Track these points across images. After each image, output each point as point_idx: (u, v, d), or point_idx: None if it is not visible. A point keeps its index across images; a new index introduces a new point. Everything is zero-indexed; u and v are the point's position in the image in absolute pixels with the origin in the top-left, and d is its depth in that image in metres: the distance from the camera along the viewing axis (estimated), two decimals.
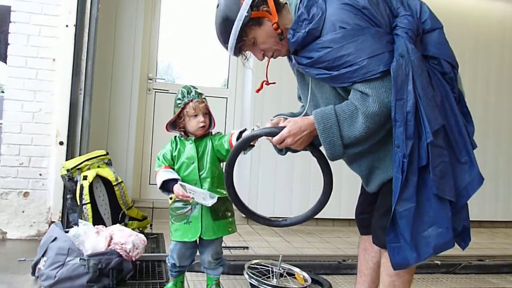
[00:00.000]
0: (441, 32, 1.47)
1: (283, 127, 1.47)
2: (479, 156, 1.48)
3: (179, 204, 2.03)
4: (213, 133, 2.11)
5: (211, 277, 2.14)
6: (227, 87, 4.63)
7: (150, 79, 4.42)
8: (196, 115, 2.01)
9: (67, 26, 3.24)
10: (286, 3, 1.51)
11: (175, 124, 2.08)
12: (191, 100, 2.01)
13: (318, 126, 1.40)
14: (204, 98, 2.07)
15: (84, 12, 3.31)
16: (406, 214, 1.35)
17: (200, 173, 2.01)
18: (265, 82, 1.64)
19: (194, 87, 2.07)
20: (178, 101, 2.04)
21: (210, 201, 1.91)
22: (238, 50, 1.54)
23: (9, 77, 3.23)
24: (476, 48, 4.61)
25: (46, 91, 3.24)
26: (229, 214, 2.11)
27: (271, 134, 1.50)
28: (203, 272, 2.22)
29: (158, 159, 2.09)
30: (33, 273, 2.26)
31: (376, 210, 1.56)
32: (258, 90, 1.66)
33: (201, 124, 2.01)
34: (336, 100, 1.47)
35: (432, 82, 1.38)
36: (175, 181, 1.97)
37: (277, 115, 1.67)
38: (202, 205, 1.98)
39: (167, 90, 4.47)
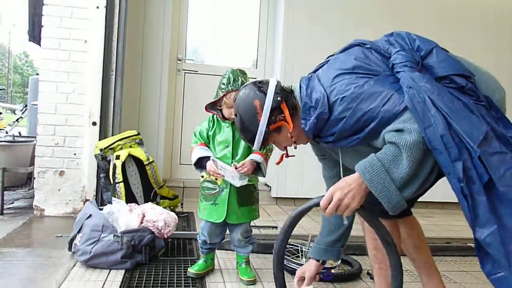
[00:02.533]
0: (438, 50, 1.44)
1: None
2: None
3: (209, 184, 2.06)
4: None
5: (241, 255, 2.16)
6: (256, 68, 4.60)
7: (180, 60, 4.44)
8: (231, 107, 1.98)
9: (97, 7, 3.27)
10: (296, 101, 1.55)
11: (214, 104, 2.07)
12: (234, 90, 1.97)
13: (364, 176, 1.32)
14: None
15: None
16: (491, 240, 1.22)
17: (233, 159, 2.02)
18: (285, 155, 1.66)
19: (242, 74, 2.03)
20: (222, 86, 2.00)
21: (239, 182, 1.94)
22: (263, 148, 1.62)
23: (43, 59, 3.31)
24: None
25: (79, 72, 3.30)
26: (253, 201, 2.11)
27: (317, 204, 1.40)
28: (233, 251, 2.24)
29: (195, 135, 2.11)
30: (69, 249, 2.35)
31: None
32: (278, 163, 1.67)
33: (232, 116, 2.01)
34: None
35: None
36: (209, 158, 1.99)
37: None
38: (229, 189, 2.00)
39: (196, 71, 4.48)
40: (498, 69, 4.41)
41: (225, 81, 2.00)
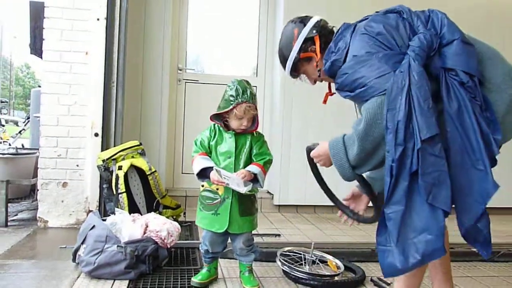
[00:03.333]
0: (458, 42, 1.50)
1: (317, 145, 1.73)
2: None
3: (210, 194, 2.06)
4: (255, 134, 2.12)
5: (243, 263, 2.16)
6: (257, 76, 4.62)
7: (180, 70, 4.47)
8: (241, 118, 2.00)
9: (98, 19, 3.31)
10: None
11: (219, 115, 2.06)
12: (244, 102, 1.97)
13: (330, 151, 1.59)
14: (256, 101, 2.05)
15: (114, 5, 3.36)
16: (394, 216, 1.39)
17: (235, 169, 2.02)
18: (328, 94, 1.88)
19: (249, 85, 2.03)
20: (231, 98, 1.98)
21: (244, 188, 1.93)
22: (294, 76, 1.87)
23: (45, 72, 3.33)
24: None
25: (80, 84, 3.32)
26: (254, 211, 2.12)
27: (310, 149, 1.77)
28: (236, 259, 2.25)
29: (195, 144, 2.11)
30: (73, 260, 2.35)
31: None
32: (324, 102, 1.88)
33: (242, 127, 2.02)
34: None
35: (451, 92, 1.44)
36: (211, 169, 2.00)
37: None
38: (231, 199, 2.01)
39: (197, 80, 4.51)
40: None
41: (233, 93, 1.99)
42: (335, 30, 1.76)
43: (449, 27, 1.52)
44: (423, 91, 1.39)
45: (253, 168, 2.01)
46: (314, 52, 1.75)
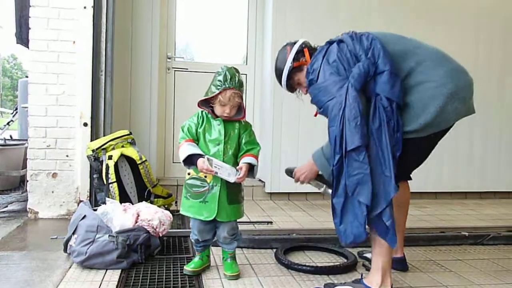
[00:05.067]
0: (388, 73, 1.79)
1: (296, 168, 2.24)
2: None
3: (197, 182, 2.05)
4: (243, 122, 2.12)
5: (226, 250, 2.17)
6: (246, 64, 4.60)
7: (169, 58, 4.43)
8: (225, 105, 2.00)
9: (85, 7, 3.25)
10: None
11: (207, 101, 2.06)
12: (231, 89, 1.98)
13: (315, 161, 2.11)
14: (243, 89, 2.06)
15: None
16: (337, 206, 1.80)
17: (224, 156, 2.02)
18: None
19: (238, 73, 2.04)
20: (218, 83, 1.99)
21: (234, 178, 1.96)
22: (290, 89, 2.19)
23: (32, 61, 3.28)
24: None
25: (68, 74, 3.28)
26: (241, 199, 2.13)
27: (290, 172, 2.27)
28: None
29: (182, 130, 2.09)
30: (65, 250, 2.34)
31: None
32: (315, 115, 2.11)
33: (225, 114, 2.02)
34: None
35: (376, 113, 1.77)
36: (198, 156, 1.99)
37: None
38: (219, 186, 2.01)
39: (186, 69, 4.47)
40: (488, 63, 4.47)
41: (221, 78, 1.99)
42: (317, 47, 2.11)
43: (383, 59, 1.81)
44: (353, 112, 1.73)
45: (252, 160, 2.03)
46: (305, 61, 2.08)
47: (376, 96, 1.79)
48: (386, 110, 1.77)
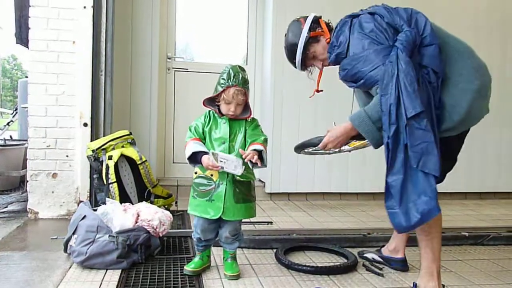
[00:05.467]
0: (436, 47, 1.76)
1: (323, 137, 1.94)
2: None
3: (203, 181, 2.05)
4: (249, 120, 2.11)
5: (227, 250, 2.17)
6: (246, 64, 4.59)
7: (169, 58, 4.43)
8: (229, 103, 1.99)
9: (84, 7, 3.25)
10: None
11: (212, 99, 2.06)
12: (234, 86, 1.98)
13: (354, 123, 1.82)
14: (247, 87, 2.04)
15: None
16: (395, 184, 1.65)
17: (230, 153, 2.01)
18: (315, 91, 2.15)
19: (243, 71, 2.03)
20: (222, 81, 2.00)
21: (240, 170, 1.93)
22: (304, 64, 2.09)
23: (32, 61, 3.27)
24: None
25: (68, 74, 3.27)
26: (251, 198, 2.11)
27: (314, 144, 2.00)
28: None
29: (190, 130, 2.09)
30: (65, 250, 2.34)
31: None
32: (311, 97, 2.15)
33: (230, 113, 2.01)
34: (368, 99, 1.94)
35: (421, 85, 1.69)
36: (203, 153, 1.99)
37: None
38: (225, 185, 2.00)
39: (186, 69, 4.47)
40: (488, 63, 4.45)
41: (225, 76, 2.00)
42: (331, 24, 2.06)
43: (432, 32, 1.78)
44: (409, 77, 1.63)
45: (257, 146, 2.00)
46: (322, 32, 2.02)
47: (422, 69, 1.72)
48: (432, 85, 1.70)
